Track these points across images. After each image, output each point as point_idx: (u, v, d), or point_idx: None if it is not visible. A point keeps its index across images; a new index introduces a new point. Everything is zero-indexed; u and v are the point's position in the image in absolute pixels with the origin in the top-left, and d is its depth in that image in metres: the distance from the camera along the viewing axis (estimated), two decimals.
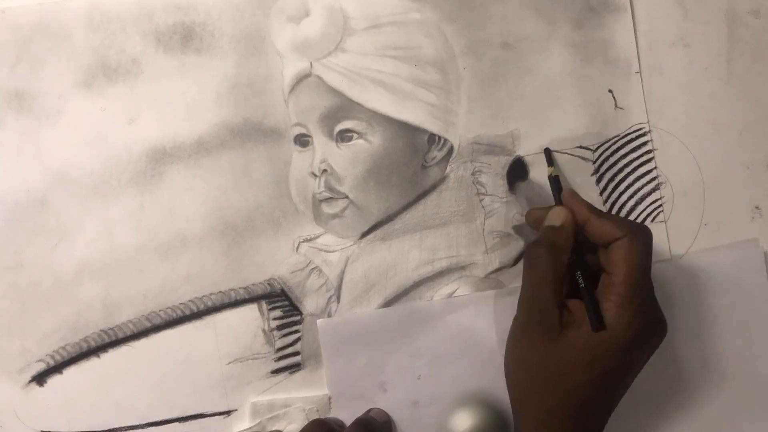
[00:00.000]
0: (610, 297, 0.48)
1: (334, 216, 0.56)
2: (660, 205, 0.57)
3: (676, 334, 0.56)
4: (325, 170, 0.56)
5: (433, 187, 0.57)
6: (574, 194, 0.52)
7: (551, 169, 0.55)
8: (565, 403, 0.48)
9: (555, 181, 0.55)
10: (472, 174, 0.57)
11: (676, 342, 0.56)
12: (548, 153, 0.56)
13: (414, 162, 0.57)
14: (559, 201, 0.54)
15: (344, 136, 0.56)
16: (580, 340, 0.48)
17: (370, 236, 0.56)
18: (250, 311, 0.56)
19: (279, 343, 0.56)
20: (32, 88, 0.56)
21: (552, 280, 0.49)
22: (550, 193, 0.55)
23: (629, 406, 0.51)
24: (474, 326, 0.55)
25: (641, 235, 0.49)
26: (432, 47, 0.57)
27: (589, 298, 0.49)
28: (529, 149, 0.57)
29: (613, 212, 0.57)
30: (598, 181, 0.57)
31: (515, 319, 0.51)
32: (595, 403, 0.48)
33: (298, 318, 0.56)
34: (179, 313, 0.55)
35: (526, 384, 0.49)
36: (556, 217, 0.51)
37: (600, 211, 0.51)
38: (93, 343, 0.55)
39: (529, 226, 0.55)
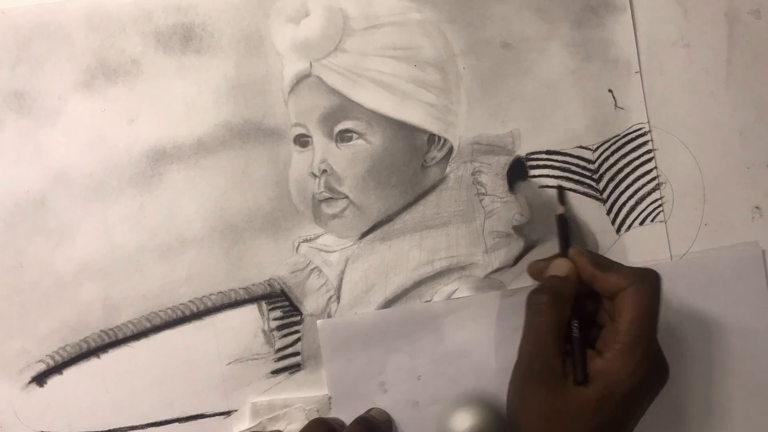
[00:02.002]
0: (614, 345, 0.48)
1: (334, 216, 0.56)
2: (660, 205, 0.57)
3: (675, 335, 0.56)
4: (324, 170, 0.56)
5: (433, 187, 0.57)
6: (581, 250, 0.52)
7: (562, 208, 0.55)
8: None
9: (563, 222, 0.54)
10: (472, 174, 0.57)
11: (676, 342, 0.56)
12: (561, 191, 0.56)
13: (414, 162, 0.57)
14: (564, 244, 0.53)
15: (344, 137, 0.56)
16: (582, 391, 0.47)
17: (370, 236, 0.56)
18: (250, 311, 0.56)
19: (279, 344, 0.55)
20: (32, 88, 0.56)
21: (555, 329, 0.49)
22: (549, 195, 0.55)
23: None
24: (474, 326, 0.55)
25: (648, 282, 0.49)
26: (432, 47, 0.57)
27: (578, 349, 0.49)
28: (529, 149, 0.57)
29: (613, 212, 0.57)
30: (598, 181, 0.57)
31: (516, 365, 0.50)
32: None
33: (298, 318, 0.56)
34: (179, 313, 0.55)
35: (531, 430, 0.48)
36: (560, 268, 0.51)
37: (606, 263, 0.51)
38: (93, 344, 0.55)
39: (531, 277, 0.54)
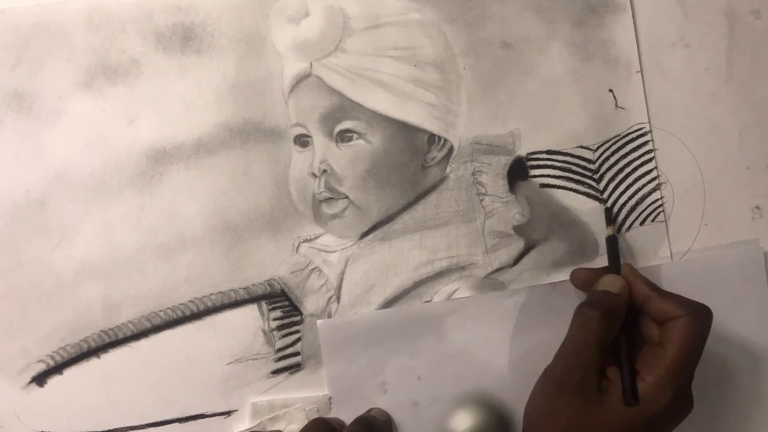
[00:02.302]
0: (656, 370, 0.48)
1: (334, 216, 0.56)
2: (660, 205, 0.57)
3: None
4: (325, 170, 0.56)
5: (433, 188, 0.57)
6: (634, 270, 0.52)
7: (610, 228, 0.55)
8: None
9: (612, 242, 0.54)
10: (472, 174, 0.57)
11: None
12: (608, 212, 0.56)
13: (414, 162, 0.57)
14: (614, 264, 0.53)
15: (344, 137, 0.56)
16: (617, 410, 0.47)
17: (370, 236, 0.56)
18: (250, 311, 0.56)
19: (279, 344, 0.55)
20: (32, 88, 0.56)
21: (601, 345, 0.49)
22: (550, 196, 0.55)
23: None
24: (474, 327, 0.55)
25: (701, 317, 0.49)
26: (432, 47, 0.57)
27: (629, 371, 0.48)
28: (529, 149, 0.57)
29: (613, 212, 0.57)
30: (599, 181, 0.57)
31: (549, 371, 0.50)
32: None
33: (298, 318, 0.56)
34: (179, 313, 0.55)
35: None
36: (613, 284, 0.51)
37: (660, 289, 0.51)
38: (93, 344, 0.55)
39: (572, 283, 0.54)
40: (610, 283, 0.51)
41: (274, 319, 0.56)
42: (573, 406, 0.48)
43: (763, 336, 0.56)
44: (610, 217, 0.56)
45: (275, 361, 0.55)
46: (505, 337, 0.55)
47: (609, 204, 0.57)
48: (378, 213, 0.56)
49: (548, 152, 0.57)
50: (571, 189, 0.57)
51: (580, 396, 0.48)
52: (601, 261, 0.56)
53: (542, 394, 0.50)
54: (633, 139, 0.57)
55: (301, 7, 0.56)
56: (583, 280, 0.53)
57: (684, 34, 0.58)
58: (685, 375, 0.48)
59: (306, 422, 0.53)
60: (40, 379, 0.55)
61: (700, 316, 0.49)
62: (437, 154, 0.57)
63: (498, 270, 0.56)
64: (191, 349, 0.55)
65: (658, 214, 0.57)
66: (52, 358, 0.55)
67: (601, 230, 0.57)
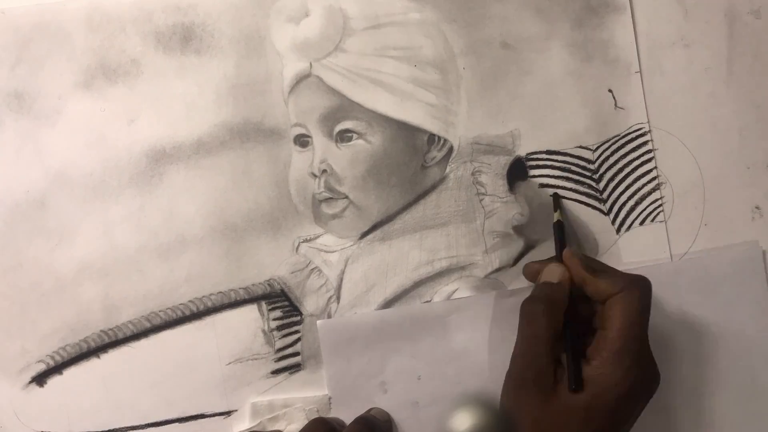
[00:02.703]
0: (602, 353, 0.48)
1: (334, 216, 0.56)
2: (660, 205, 0.57)
3: (675, 335, 0.56)
4: (324, 170, 0.56)
5: (433, 187, 0.57)
6: (574, 254, 0.52)
7: (557, 214, 0.55)
8: None
9: (559, 227, 0.54)
10: (472, 174, 0.57)
11: (675, 342, 0.56)
12: (557, 198, 0.56)
13: (414, 162, 0.57)
14: (559, 248, 0.53)
15: (344, 137, 0.56)
16: (572, 399, 0.47)
17: (370, 236, 0.56)
18: (250, 312, 0.56)
19: (279, 344, 0.55)
20: (32, 88, 0.56)
21: (548, 338, 0.49)
22: (549, 195, 0.55)
23: None
24: (474, 327, 0.55)
25: (638, 289, 0.48)
26: (432, 47, 0.57)
27: (571, 356, 0.48)
28: (529, 149, 0.57)
29: (613, 212, 0.57)
30: (598, 181, 0.57)
31: (508, 374, 0.50)
32: None
33: (298, 318, 0.56)
34: (179, 313, 0.55)
35: None
36: (553, 274, 0.51)
37: (599, 267, 0.51)
38: (93, 344, 0.55)
39: (526, 278, 0.54)
40: (550, 274, 0.51)
41: (274, 319, 0.56)
42: (533, 403, 0.48)
43: (762, 336, 0.56)
44: (558, 203, 0.56)
45: (275, 361, 0.55)
46: (505, 337, 0.54)
47: (607, 201, 0.57)
48: (378, 213, 0.56)
49: (548, 152, 0.57)
50: (570, 189, 0.57)
51: (539, 391, 0.48)
52: (601, 261, 0.56)
53: (506, 397, 0.50)
54: (632, 139, 0.57)
55: (301, 7, 0.56)
56: (534, 273, 0.53)
57: (684, 34, 0.58)
58: (632, 350, 0.47)
59: (306, 422, 0.53)
60: (40, 379, 0.55)
61: (635, 288, 0.48)
62: (437, 154, 0.57)
63: (498, 270, 0.56)
64: (191, 349, 0.55)
65: (658, 214, 0.57)
66: (52, 358, 0.55)
67: (601, 230, 0.57)
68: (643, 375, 0.48)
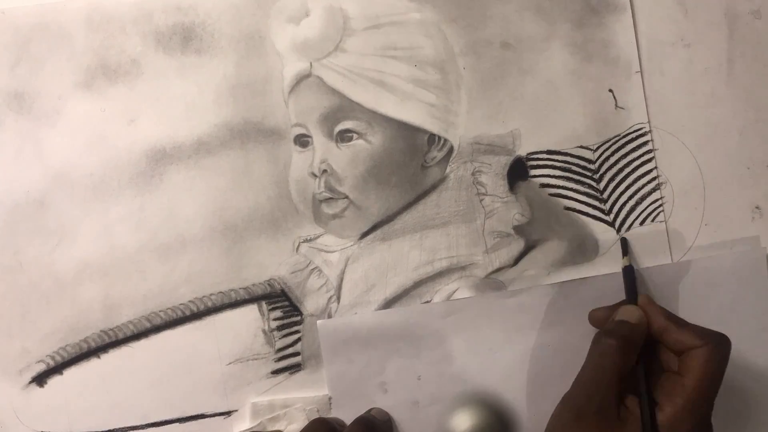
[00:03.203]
0: (676, 400, 0.47)
1: (334, 216, 0.56)
2: (660, 205, 0.57)
3: None
4: (325, 170, 0.56)
5: (433, 187, 0.57)
6: (651, 301, 0.52)
7: (626, 259, 0.55)
8: None
9: (629, 272, 0.54)
10: (472, 174, 0.57)
11: None
12: (624, 243, 0.56)
13: (414, 162, 0.57)
14: (632, 292, 0.53)
15: (344, 137, 0.56)
16: None
17: (370, 236, 0.56)
18: (251, 312, 0.56)
19: (279, 344, 0.55)
20: (32, 88, 0.56)
21: (618, 375, 0.48)
22: (550, 196, 0.55)
23: None
24: (474, 327, 0.55)
25: (721, 347, 0.49)
26: (432, 47, 0.57)
27: (647, 401, 0.48)
28: (529, 149, 0.57)
29: (613, 212, 0.57)
30: (599, 181, 0.57)
31: (568, 399, 0.49)
32: None
33: (299, 318, 0.56)
34: (179, 313, 0.55)
35: None
36: (631, 314, 0.51)
37: (678, 318, 0.51)
38: (93, 344, 0.55)
39: (593, 324, 0.54)
40: (628, 314, 0.51)
41: (274, 319, 0.56)
42: None
43: (763, 336, 0.56)
44: (626, 248, 0.56)
45: (275, 361, 0.55)
46: (505, 337, 0.55)
47: (607, 201, 0.57)
48: (378, 213, 0.56)
49: (548, 152, 0.57)
50: (571, 189, 0.57)
51: (600, 424, 0.47)
52: (601, 261, 0.56)
53: (561, 423, 0.49)
54: (633, 139, 0.57)
55: (301, 7, 0.56)
56: (601, 318, 0.53)
57: (684, 34, 0.58)
58: (705, 405, 0.48)
59: (306, 422, 0.53)
60: (40, 379, 0.55)
61: (719, 345, 0.48)
62: (437, 154, 0.57)
63: (498, 270, 0.56)
64: (191, 349, 0.55)
65: (658, 214, 0.57)
66: (52, 358, 0.55)
67: (600, 230, 0.57)
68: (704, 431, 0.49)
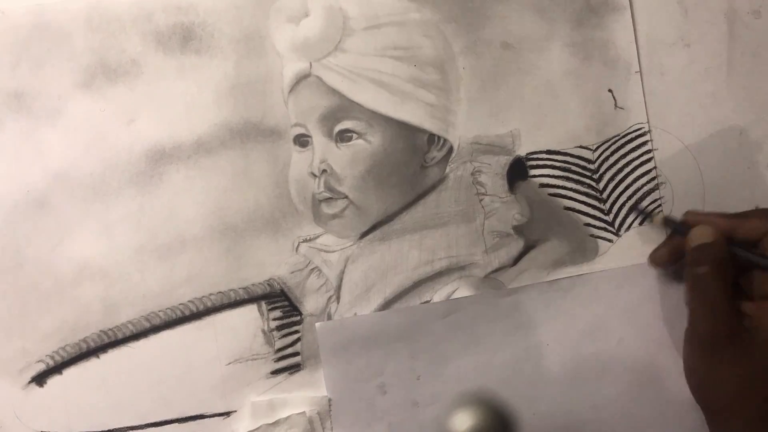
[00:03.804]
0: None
1: (334, 216, 0.56)
2: (659, 205, 0.57)
3: (676, 334, 0.55)
4: (324, 170, 0.56)
5: (433, 187, 0.57)
6: (698, 212, 0.52)
7: (660, 215, 0.56)
8: None
9: (669, 221, 0.55)
10: (472, 174, 0.57)
11: (677, 342, 0.55)
12: (637, 211, 0.56)
13: (414, 162, 0.57)
14: (683, 227, 0.53)
15: (344, 136, 0.56)
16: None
17: (370, 236, 0.56)
18: (250, 312, 0.56)
19: (279, 344, 0.55)
20: (32, 88, 0.56)
21: (727, 293, 0.49)
22: (549, 195, 0.55)
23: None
24: (473, 327, 0.55)
25: None
26: (432, 47, 0.57)
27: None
28: (529, 149, 0.57)
29: (613, 212, 0.57)
30: (598, 180, 0.57)
31: (693, 337, 0.50)
32: None
33: (298, 318, 0.56)
34: (179, 313, 0.55)
35: (729, 395, 0.48)
36: (703, 234, 0.51)
37: (735, 214, 0.51)
38: (93, 344, 0.55)
39: (654, 265, 0.54)
40: (700, 235, 0.51)
41: (274, 319, 0.56)
42: (734, 359, 0.48)
43: None
44: (645, 212, 0.56)
45: (275, 362, 0.55)
46: (505, 337, 0.55)
47: (606, 201, 0.57)
48: (378, 213, 0.56)
49: (548, 152, 0.57)
50: (570, 189, 0.57)
51: (736, 346, 0.48)
52: (601, 261, 0.56)
53: (701, 357, 0.49)
54: (632, 139, 0.57)
55: (301, 7, 0.56)
56: (664, 255, 0.53)
57: (684, 34, 0.58)
58: None
59: (308, 427, 0.53)
60: (39, 379, 0.55)
61: None
62: (437, 154, 0.57)
63: (498, 270, 0.56)
64: (191, 349, 0.55)
65: (658, 214, 0.57)
66: (52, 358, 0.55)
67: (600, 230, 0.57)
68: None
